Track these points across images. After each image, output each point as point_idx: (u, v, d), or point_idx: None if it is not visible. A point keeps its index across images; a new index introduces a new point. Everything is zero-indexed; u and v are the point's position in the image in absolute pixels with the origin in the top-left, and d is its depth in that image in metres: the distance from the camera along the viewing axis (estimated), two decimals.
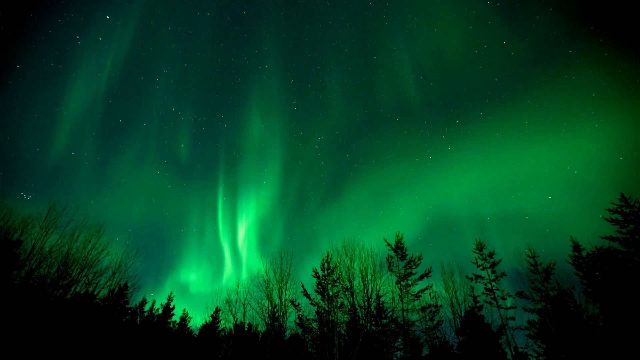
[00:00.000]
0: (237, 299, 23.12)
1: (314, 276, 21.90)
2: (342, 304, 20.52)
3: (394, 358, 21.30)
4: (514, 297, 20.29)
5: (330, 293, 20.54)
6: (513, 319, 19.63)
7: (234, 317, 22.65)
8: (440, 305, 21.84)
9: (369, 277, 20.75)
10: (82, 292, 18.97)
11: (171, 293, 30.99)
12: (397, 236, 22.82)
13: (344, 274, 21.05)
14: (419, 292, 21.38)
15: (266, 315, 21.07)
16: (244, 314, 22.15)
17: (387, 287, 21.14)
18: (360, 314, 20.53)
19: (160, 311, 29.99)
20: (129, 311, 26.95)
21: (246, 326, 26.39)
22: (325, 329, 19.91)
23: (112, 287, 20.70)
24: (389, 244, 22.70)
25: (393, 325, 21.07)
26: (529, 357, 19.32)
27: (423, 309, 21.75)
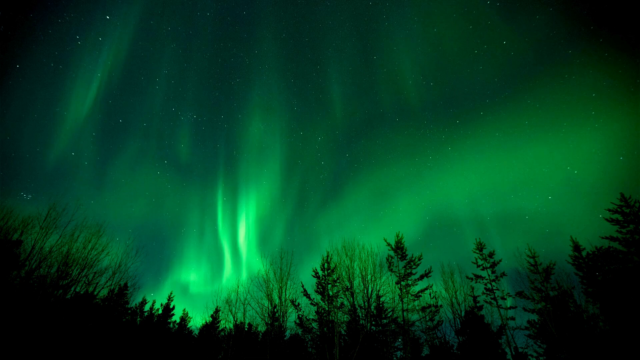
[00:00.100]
0: (237, 299, 23.17)
1: (314, 276, 21.90)
2: (342, 304, 20.52)
3: (394, 358, 21.31)
4: (514, 297, 20.33)
5: (330, 293, 20.54)
6: (513, 319, 19.65)
7: (234, 317, 22.67)
8: (440, 305, 21.85)
9: (369, 277, 20.77)
10: (82, 292, 18.97)
11: (171, 293, 31.02)
12: (397, 236, 22.82)
13: (344, 274, 21.06)
14: (419, 292, 21.38)
15: (266, 315, 21.08)
16: (244, 314, 22.16)
17: (387, 287, 21.17)
18: (360, 314, 20.53)
19: (160, 311, 30.00)
20: (129, 311, 26.95)
21: (246, 326, 26.39)
22: (325, 329, 19.91)
23: (112, 287, 20.71)
24: (389, 244, 22.71)
25: (393, 325, 21.07)
26: (529, 357, 19.32)
27: (423, 309, 21.75)
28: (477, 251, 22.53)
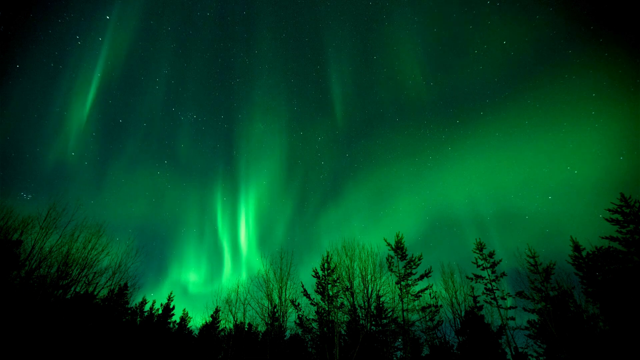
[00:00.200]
0: (237, 299, 23.13)
1: (314, 276, 21.91)
2: (342, 304, 20.52)
3: (394, 358, 21.31)
4: (514, 297, 20.32)
5: (330, 293, 20.54)
6: (513, 319, 19.65)
7: (234, 317, 22.67)
8: (440, 305, 21.85)
9: (369, 277, 20.77)
10: (82, 292, 18.97)
11: (171, 293, 31.02)
12: (397, 236, 22.82)
13: (344, 274, 21.06)
14: (419, 292, 21.38)
15: (266, 315, 21.08)
16: (244, 314, 22.17)
17: (387, 287, 21.16)
18: (360, 314, 20.53)
19: (160, 311, 30.00)
20: (129, 311, 26.95)
21: (246, 326, 26.39)
22: (325, 329, 19.92)
23: (112, 287, 20.70)
24: (389, 244, 22.71)
25: (393, 325, 21.07)
26: (529, 357, 19.33)
27: (423, 309, 21.75)
28: (477, 251, 22.53)
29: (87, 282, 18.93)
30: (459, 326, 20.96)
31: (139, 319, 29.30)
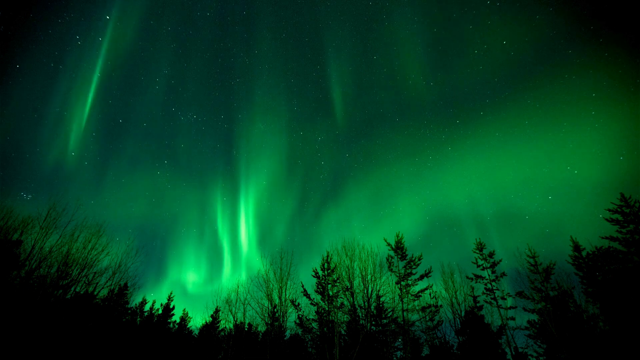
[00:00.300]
0: (237, 299, 23.10)
1: (314, 276, 21.91)
2: (342, 304, 20.52)
3: (394, 358, 21.32)
4: (514, 297, 20.32)
5: (330, 293, 20.55)
6: (513, 319, 19.65)
7: (234, 317, 22.67)
8: (440, 305, 21.85)
9: (369, 277, 20.77)
10: (82, 292, 18.97)
11: (171, 293, 31.02)
12: (397, 236, 22.82)
13: (344, 274, 21.06)
14: (419, 292, 21.38)
15: (266, 315, 21.08)
16: (244, 314, 22.17)
17: (387, 287, 21.16)
18: (360, 314, 20.53)
19: (160, 311, 30.01)
20: (129, 311, 26.95)
21: (246, 326, 26.39)
22: (325, 329, 19.92)
23: (112, 287, 20.71)
24: (389, 244, 22.71)
25: (393, 325, 21.07)
26: (529, 357, 19.33)
27: (423, 309, 21.75)
28: (477, 251, 22.53)
29: (87, 282, 18.93)
30: (459, 326, 20.97)
31: (139, 319, 29.30)
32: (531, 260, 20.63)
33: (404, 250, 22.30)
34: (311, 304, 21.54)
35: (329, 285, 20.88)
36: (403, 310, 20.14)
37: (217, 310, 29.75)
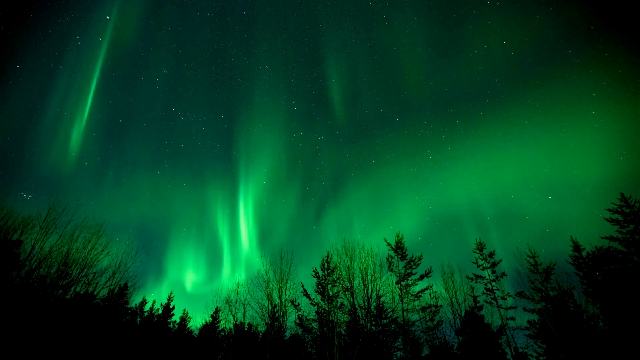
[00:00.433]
0: (237, 299, 23.12)
1: (314, 276, 21.91)
2: (342, 304, 20.52)
3: (394, 358, 21.31)
4: (514, 297, 20.31)
5: (330, 293, 20.55)
6: (513, 319, 19.64)
7: (234, 317, 22.68)
8: (440, 306, 21.85)
9: (369, 277, 20.77)
10: (82, 292, 18.97)
11: (171, 293, 31.03)
12: (397, 236, 22.82)
13: (344, 274, 21.06)
14: (419, 292, 21.38)
15: (266, 315, 21.08)
16: (244, 314, 22.18)
17: (387, 287, 21.16)
18: (360, 314, 20.53)
19: (160, 311, 30.00)
20: (129, 311, 26.95)
21: (246, 326, 26.39)
22: (325, 329, 19.92)
23: (112, 287, 20.70)
24: (389, 244, 22.71)
25: (393, 325, 21.06)
26: (529, 357, 19.32)
27: (423, 309, 21.75)
28: (477, 251, 22.53)
29: (87, 282, 18.93)
30: (459, 326, 20.96)
31: (139, 319, 29.30)
32: (531, 260, 20.63)
33: (404, 250, 22.30)
34: (311, 304, 21.55)
35: (329, 285, 20.88)
36: (403, 310, 20.14)
37: (217, 310, 29.76)
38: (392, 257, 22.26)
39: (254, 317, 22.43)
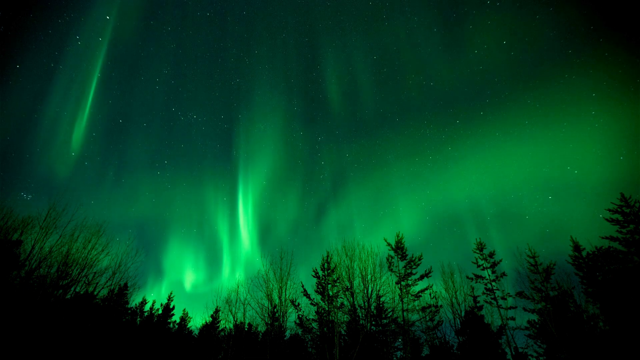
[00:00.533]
0: (237, 299, 23.10)
1: (314, 276, 21.91)
2: (342, 304, 20.52)
3: (394, 358, 21.31)
4: (514, 297, 20.30)
5: (330, 293, 20.54)
6: (513, 319, 19.63)
7: (234, 317, 22.68)
8: (440, 306, 21.84)
9: (369, 277, 20.77)
10: (82, 292, 18.97)
11: (171, 293, 31.02)
12: (397, 236, 22.82)
13: (344, 274, 21.06)
14: (419, 292, 21.38)
15: (266, 315, 21.08)
16: (244, 314, 22.19)
17: (387, 287, 21.17)
18: (360, 314, 20.53)
19: (160, 311, 30.00)
20: (129, 311, 26.96)
21: (246, 326, 26.39)
22: (325, 329, 19.92)
23: (112, 287, 20.72)
24: (389, 244, 22.71)
25: (393, 325, 21.06)
26: (529, 357, 19.32)
27: (423, 309, 21.75)
28: (478, 251, 22.53)
29: (87, 282, 18.93)
30: (459, 326, 20.96)
31: (139, 319, 29.30)
32: (531, 260, 20.63)
33: (404, 250, 22.30)
34: (311, 304, 21.55)
35: (329, 285, 20.88)
36: (403, 310, 20.14)
37: (217, 310, 29.75)
38: (392, 257, 22.26)
39: (254, 317, 22.46)
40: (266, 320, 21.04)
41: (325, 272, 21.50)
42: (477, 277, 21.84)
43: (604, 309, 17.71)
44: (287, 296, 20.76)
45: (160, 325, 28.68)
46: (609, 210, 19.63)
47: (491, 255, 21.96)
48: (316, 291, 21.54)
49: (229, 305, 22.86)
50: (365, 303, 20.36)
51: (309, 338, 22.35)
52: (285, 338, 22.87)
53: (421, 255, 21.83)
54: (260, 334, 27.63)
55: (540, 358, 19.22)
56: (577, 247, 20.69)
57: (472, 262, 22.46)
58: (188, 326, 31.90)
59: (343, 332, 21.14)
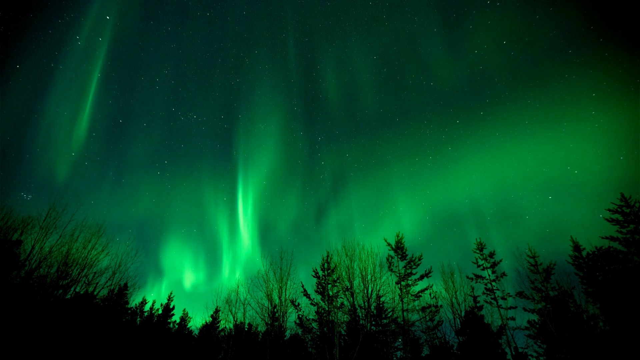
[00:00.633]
0: (237, 299, 23.11)
1: (314, 276, 21.91)
2: (342, 304, 20.52)
3: (394, 358, 21.31)
4: (514, 297, 20.29)
5: (330, 293, 20.54)
6: (513, 319, 19.63)
7: (234, 317, 22.68)
8: (440, 306, 21.84)
9: (369, 277, 20.77)
10: (82, 292, 18.97)
11: (171, 293, 31.02)
12: (397, 236, 22.82)
13: (344, 274, 21.06)
14: (419, 292, 21.37)
15: (266, 315, 21.08)
16: (244, 314, 22.19)
17: (387, 287, 21.17)
18: (360, 314, 20.53)
19: (160, 311, 30.00)
20: (129, 311, 26.95)
21: (246, 326, 26.39)
22: (325, 329, 19.92)
23: (112, 287, 20.71)
24: (389, 244, 22.71)
25: (393, 325, 21.06)
26: (529, 357, 19.32)
27: (423, 309, 21.74)
28: (478, 251, 22.52)
29: (87, 282, 18.93)
30: (459, 326, 20.96)
31: (139, 319, 29.30)
32: (531, 260, 20.63)
33: (404, 250, 22.30)
34: (311, 304, 21.55)
35: (329, 285, 20.88)
36: (403, 310, 20.14)
37: (217, 310, 29.75)
38: (392, 257, 22.26)
39: (254, 317, 22.45)
40: (266, 320, 21.04)
41: (325, 272, 21.50)
42: (477, 277, 21.83)
43: (604, 309, 17.71)
44: (287, 296, 20.78)
45: (160, 325, 28.68)
46: (609, 210, 19.64)
47: (491, 255, 21.96)
48: (316, 291, 21.55)
49: (229, 305, 22.89)
50: (365, 303, 20.36)
51: (309, 338, 22.35)
52: (285, 338, 22.87)
53: (421, 255, 21.85)
54: (260, 334, 27.63)
55: (540, 358, 19.23)
56: (577, 247, 20.69)
57: (472, 262, 22.48)
58: (188, 326, 31.91)
59: (343, 332, 21.14)
